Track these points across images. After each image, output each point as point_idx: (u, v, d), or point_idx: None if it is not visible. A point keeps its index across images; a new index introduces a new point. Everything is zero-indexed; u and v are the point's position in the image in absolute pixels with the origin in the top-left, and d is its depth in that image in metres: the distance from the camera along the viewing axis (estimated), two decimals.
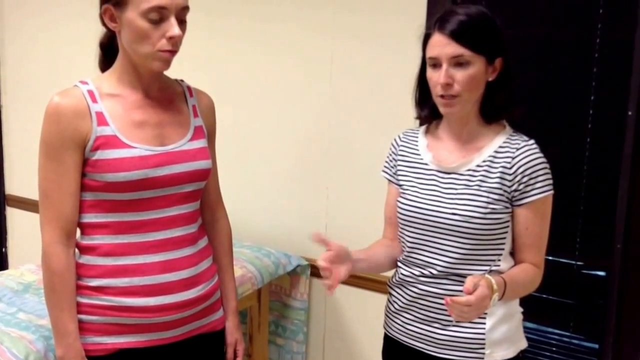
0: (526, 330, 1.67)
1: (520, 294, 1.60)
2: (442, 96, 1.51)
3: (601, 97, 2.05)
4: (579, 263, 2.14)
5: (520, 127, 1.61)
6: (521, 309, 1.65)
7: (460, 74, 1.49)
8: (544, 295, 2.14)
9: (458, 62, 1.49)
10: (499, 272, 1.54)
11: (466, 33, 1.48)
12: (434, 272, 1.57)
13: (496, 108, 1.57)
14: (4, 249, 3.69)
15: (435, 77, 1.51)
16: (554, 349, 2.19)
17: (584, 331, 2.15)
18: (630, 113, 1.96)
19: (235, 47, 2.66)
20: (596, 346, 2.13)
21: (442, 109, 1.55)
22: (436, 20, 1.53)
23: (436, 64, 1.51)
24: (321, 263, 1.49)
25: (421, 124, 1.73)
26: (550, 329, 2.20)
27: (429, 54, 1.53)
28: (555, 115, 2.16)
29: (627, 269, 2.01)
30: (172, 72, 1.63)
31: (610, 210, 2.02)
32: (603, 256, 2.08)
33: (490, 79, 1.54)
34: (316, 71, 2.46)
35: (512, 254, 1.60)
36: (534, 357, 2.18)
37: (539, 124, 2.15)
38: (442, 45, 1.49)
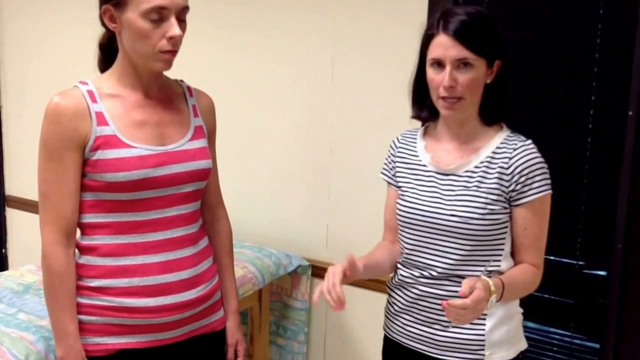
0: (527, 330, 1.67)
1: (519, 295, 1.60)
2: (443, 98, 1.51)
3: (601, 97, 2.05)
4: (579, 263, 2.13)
5: (521, 128, 1.61)
6: (521, 310, 1.65)
7: (463, 77, 1.48)
8: (545, 295, 2.14)
9: (462, 64, 1.48)
10: (499, 273, 1.54)
11: (470, 34, 1.47)
12: (434, 273, 1.57)
13: (495, 110, 1.57)
14: (4, 250, 3.69)
15: (438, 79, 1.50)
16: (555, 348, 2.18)
17: (584, 331, 2.15)
18: (630, 113, 1.96)
19: (237, 50, 2.66)
20: (597, 346, 2.12)
21: (443, 111, 1.55)
22: (438, 20, 1.52)
23: (439, 65, 1.50)
24: (339, 291, 1.45)
25: (422, 124, 1.73)
26: (551, 329, 2.20)
27: (432, 54, 1.51)
28: (556, 116, 2.16)
29: (627, 269, 2.01)
30: (173, 73, 1.63)
31: (611, 210, 2.02)
32: (604, 256, 2.08)
33: (488, 81, 1.54)
34: (318, 72, 2.46)
35: (512, 254, 1.60)
36: (535, 357, 2.18)
37: (539, 124, 2.15)
38: (447, 47, 1.48)
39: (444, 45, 1.49)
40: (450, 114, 1.54)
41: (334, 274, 1.47)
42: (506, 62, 1.55)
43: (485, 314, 1.53)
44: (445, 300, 1.39)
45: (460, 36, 1.47)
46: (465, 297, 1.36)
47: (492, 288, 1.42)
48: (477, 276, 1.44)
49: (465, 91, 1.49)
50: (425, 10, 2.18)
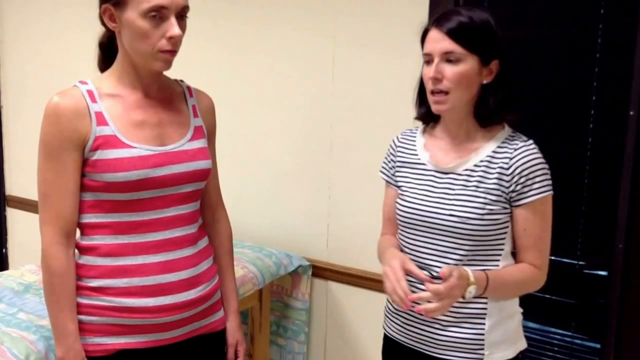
0: (528, 329, 1.67)
1: (513, 293, 1.59)
2: (432, 92, 1.52)
3: (603, 97, 2.05)
4: (580, 263, 2.13)
5: (521, 128, 1.61)
6: (521, 310, 1.64)
7: (449, 70, 1.49)
8: (546, 295, 2.14)
9: (449, 59, 1.49)
10: None
11: (461, 31, 1.49)
12: (434, 273, 1.56)
13: (488, 111, 1.56)
14: (4, 250, 3.70)
15: (427, 73, 1.52)
16: (555, 348, 2.19)
17: (585, 331, 2.15)
18: (631, 113, 1.96)
19: (238, 49, 2.66)
20: (598, 346, 2.13)
21: (432, 107, 1.56)
22: (437, 17, 1.54)
23: (430, 60, 1.52)
24: (404, 285, 1.47)
25: (423, 123, 1.73)
26: (551, 329, 2.20)
27: (424, 49, 1.55)
28: (557, 116, 2.16)
29: (628, 269, 2.01)
30: (173, 73, 1.63)
31: (612, 210, 2.02)
32: (605, 256, 2.08)
33: (485, 81, 1.54)
34: (318, 72, 2.46)
35: (514, 253, 1.60)
36: (536, 356, 2.18)
37: (540, 124, 2.15)
38: (436, 41, 1.50)
39: (433, 39, 1.51)
40: (438, 108, 1.54)
41: (395, 272, 1.49)
42: (505, 63, 1.55)
43: (485, 314, 1.54)
44: (410, 296, 1.41)
45: (450, 31, 1.49)
46: (445, 277, 1.40)
47: (471, 279, 1.44)
48: (455, 265, 1.46)
49: (451, 85, 1.50)
50: (426, 10, 2.18)
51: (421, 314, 1.58)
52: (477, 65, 1.51)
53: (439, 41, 1.50)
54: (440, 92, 1.51)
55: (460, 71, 1.49)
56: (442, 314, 1.54)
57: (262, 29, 2.58)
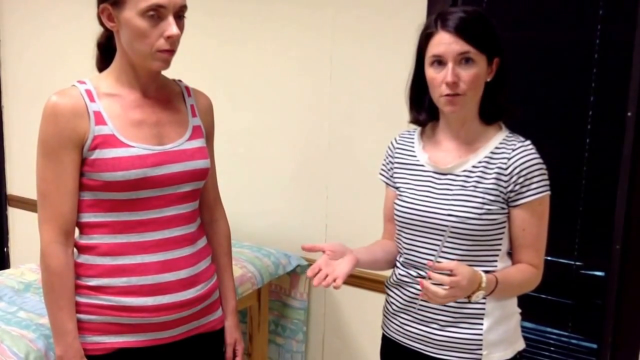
0: (525, 330, 1.68)
1: (514, 294, 1.60)
2: (446, 95, 1.50)
3: (600, 98, 2.05)
4: (577, 263, 2.14)
5: (520, 128, 1.61)
6: (519, 310, 1.65)
7: (465, 73, 1.48)
8: (543, 295, 2.14)
9: (464, 60, 1.48)
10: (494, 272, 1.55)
11: (470, 30, 1.47)
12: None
13: (495, 109, 1.57)
14: (5, 249, 3.71)
15: (440, 77, 1.49)
16: (552, 348, 2.19)
17: (582, 331, 2.15)
18: (629, 114, 1.96)
19: (235, 48, 2.67)
20: (594, 346, 2.13)
21: (445, 109, 1.53)
22: (436, 18, 1.52)
23: (440, 63, 1.50)
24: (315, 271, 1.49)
25: (422, 126, 1.73)
26: (548, 329, 2.20)
27: (432, 52, 1.51)
28: (555, 116, 2.16)
29: (625, 269, 2.01)
30: (170, 73, 1.64)
31: (609, 210, 2.02)
32: (602, 256, 2.08)
33: (487, 79, 1.54)
34: (316, 72, 2.47)
35: (510, 254, 1.60)
36: (533, 356, 2.18)
37: (538, 125, 2.15)
38: (448, 43, 1.48)
39: (444, 42, 1.48)
40: (452, 110, 1.52)
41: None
42: (504, 60, 1.55)
43: (483, 314, 1.54)
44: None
45: (461, 31, 1.47)
46: (431, 267, 1.41)
47: (483, 284, 1.44)
48: (475, 270, 1.46)
49: (467, 88, 1.49)
50: (425, 8, 2.18)
51: (421, 314, 1.60)
52: (485, 64, 1.51)
53: (451, 43, 1.47)
54: (456, 94, 1.49)
55: (476, 73, 1.49)
56: (440, 313, 1.56)
57: (259, 27, 2.58)
